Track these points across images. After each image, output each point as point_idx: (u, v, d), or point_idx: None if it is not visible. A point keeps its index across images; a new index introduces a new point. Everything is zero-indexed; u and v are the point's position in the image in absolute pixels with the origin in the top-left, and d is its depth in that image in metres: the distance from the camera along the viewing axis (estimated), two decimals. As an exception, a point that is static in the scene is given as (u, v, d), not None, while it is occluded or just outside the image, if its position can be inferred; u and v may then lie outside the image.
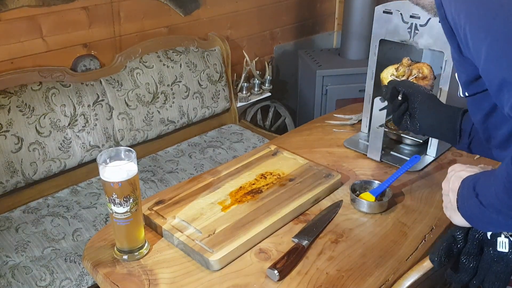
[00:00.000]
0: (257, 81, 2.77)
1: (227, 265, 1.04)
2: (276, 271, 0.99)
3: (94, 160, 1.99)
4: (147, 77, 2.24)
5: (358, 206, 1.22)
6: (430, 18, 1.30)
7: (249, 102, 2.77)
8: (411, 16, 1.34)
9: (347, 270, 1.03)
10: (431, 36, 1.33)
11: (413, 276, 0.96)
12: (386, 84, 1.29)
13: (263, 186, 1.27)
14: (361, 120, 1.61)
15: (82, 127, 2.02)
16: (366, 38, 2.60)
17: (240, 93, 2.73)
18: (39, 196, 1.98)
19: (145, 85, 2.23)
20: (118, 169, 1.00)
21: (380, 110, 1.35)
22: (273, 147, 1.47)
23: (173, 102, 2.33)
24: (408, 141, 1.51)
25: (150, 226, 1.16)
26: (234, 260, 1.06)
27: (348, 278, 1.01)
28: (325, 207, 1.23)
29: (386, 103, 1.33)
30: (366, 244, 1.11)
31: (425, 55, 3.31)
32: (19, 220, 1.82)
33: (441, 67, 1.34)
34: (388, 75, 1.37)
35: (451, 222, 0.91)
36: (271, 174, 1.33)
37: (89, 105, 2.04)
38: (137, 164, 1.05)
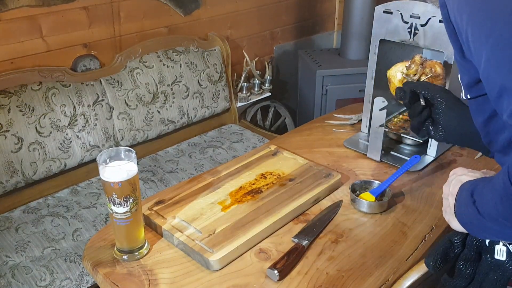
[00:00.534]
0: (257, 81, 2.77)
1: (227, 265, 1.04)
2: (276, 271, 0.99)
3: (94, 160, 1.99)
4: (147, 77, 2.24)
5: (358, 206, 1.22)
6: (430, 18, 1.30)
7: (249, 102, 2.77)
8: (411, 16, 1.34)
9: (347, 270, 1.03)
10: (431, 36, 1.32)
11: (413, 276, 0.97)
12: (395, 83, 1.23)
13: (263, 186, 1.27)
14: (361, 120, 1.61)
15: (82, 127, 2.02)
16: (366, 38, 2.60)
17: (240, 93, 2.73)
18: (39, 196, 1.98)
19: (145, 85, 2.23)
20: (118, 169, 1.00)
21: (380, 110, 1.35)
22: (273, 147, 1.47)
23: (173, 102, 2.33)
24: (408, 141, 1.51)
25: (150, 226, 1.16)
26: (234, 260, 1.06)
27: (348, 278, 1.01)
28: (325, 207, 1.23)
29: (386, 103, 1.32)
30: (366, 244, 1.10)
31: (425, 55, 3.29)
32: (19, 220, 1.82)
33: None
34: (397, 73, 1.24)
35: None
36: (271, 174, 1.33)
37: (89, 105, 2.04)
38: (137, 164, 1.05)
